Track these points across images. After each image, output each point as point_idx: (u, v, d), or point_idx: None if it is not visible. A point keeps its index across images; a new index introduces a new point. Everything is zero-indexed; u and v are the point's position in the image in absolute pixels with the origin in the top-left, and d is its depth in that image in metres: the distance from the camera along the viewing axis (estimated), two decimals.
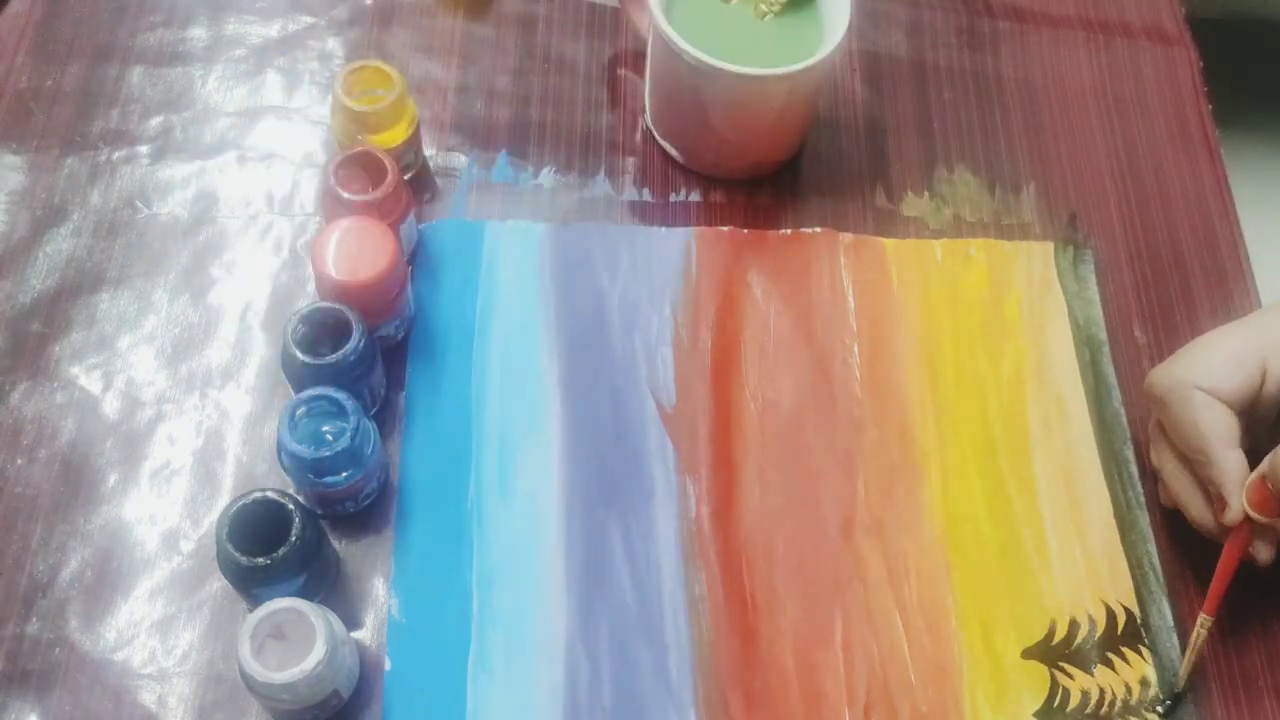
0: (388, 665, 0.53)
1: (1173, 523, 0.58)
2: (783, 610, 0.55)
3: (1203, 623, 0.54)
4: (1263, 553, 0.53)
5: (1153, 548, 0.58)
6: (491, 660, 0.53)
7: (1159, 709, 0.54)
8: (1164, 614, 0.56)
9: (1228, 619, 0.56)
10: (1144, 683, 0.55)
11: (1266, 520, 0.51)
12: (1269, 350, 0.53)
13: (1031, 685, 0.54)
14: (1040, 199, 0.68)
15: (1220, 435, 0.52)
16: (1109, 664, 0.55)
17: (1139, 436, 0.61)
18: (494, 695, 0.53)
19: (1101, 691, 0.54)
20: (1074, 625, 0.56)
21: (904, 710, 0.53)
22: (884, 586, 0.56)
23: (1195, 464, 0.54)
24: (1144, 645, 0.56)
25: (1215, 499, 0.53)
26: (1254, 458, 0.52)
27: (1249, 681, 0.56)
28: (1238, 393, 0.52)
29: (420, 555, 0.55)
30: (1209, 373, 0.53)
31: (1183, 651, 0.55)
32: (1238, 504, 0.52)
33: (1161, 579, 0.57)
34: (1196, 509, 0.54)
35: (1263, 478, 0.51)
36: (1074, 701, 0.54)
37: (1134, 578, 0.57)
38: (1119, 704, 0.54)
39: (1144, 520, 0.59)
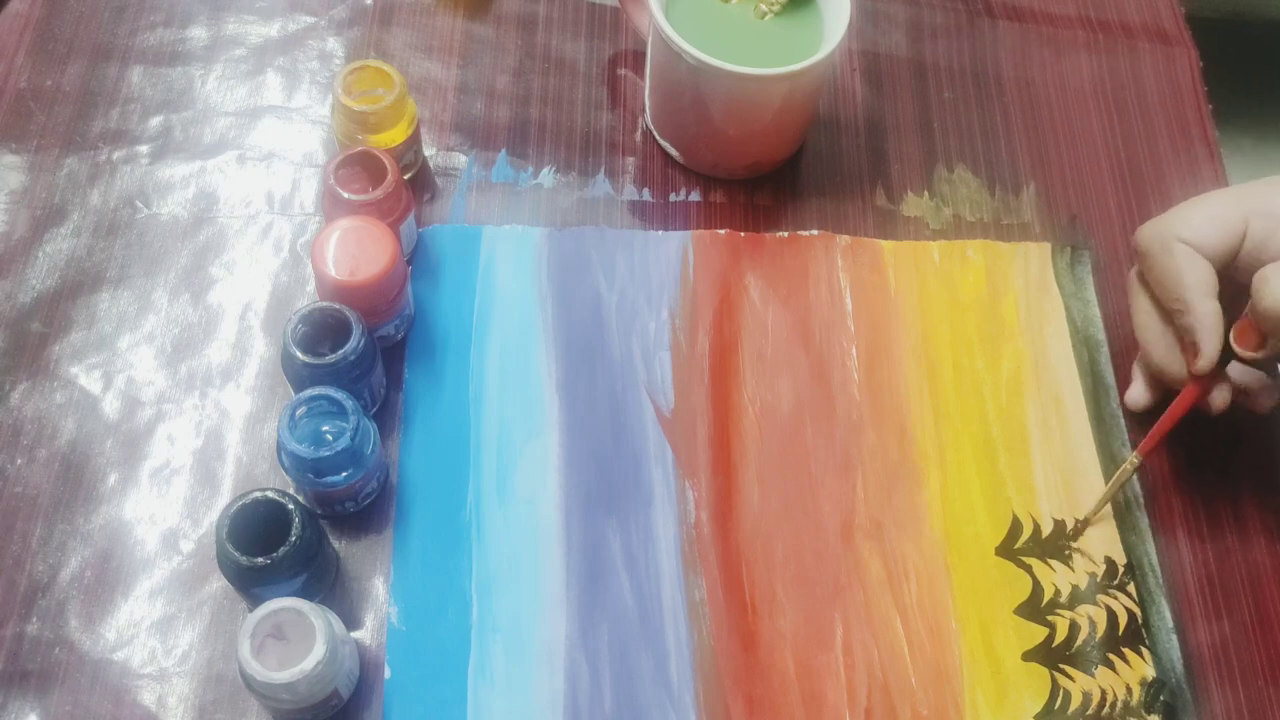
0: (388, 673, 0.53)
1: (1173, 522, 0.59)
2: (783, 614, 0.55)
3: (1131, 461, 0.56)
4: (1218, 399, 0.56)
5: (1152, 548, 0.58)
6: (492, 667, 0.53)
7: (1073, 543, 0.57)
8: (1163, 615, 0.56)
9: (1227, 617, 0.56)
10: (1144, 683, 0.55)
11: (1249, 355, 0.54)
12: (1251, 212, 0.55)
13: (1032, 687, 0.54)
14: (1040, 199, 0.68)
15: (1199, 285, 0.54)
16: (1110, 665, 0.55)
17: (1139, 439, 0.61)
18: (494, 702, 0.53)
19: (1102, 693, 0.54)
20: (1074, 626, 0.56)
21: (904, 713, 0.53)
22: (884, 589, 0.56)
23: (1173, 313, 0.56)
24: (1144, 646, 0.56)
25: (1187, 347, 0.55)
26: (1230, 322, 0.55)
27: (1249, 679, 0.56)
28: (1218, 248, 0.55)
29: (420, 562, 0.55)
30: (1192, 227, 0.55)
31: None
32: (1212, 348, 0.54)
33: (1160, 579, 0.57)
34: (1162, 356, 0.57)
35: (1248, 319, 0.54)
36: (1075, 703, 0.54)
37: (1134, 578, 0.57)
38: (1119, 705, 0.54)
39: (1143, 520, 0.59)
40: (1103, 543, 0.58)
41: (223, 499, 0.56)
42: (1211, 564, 0.58)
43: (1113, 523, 0.58)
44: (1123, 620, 0.56)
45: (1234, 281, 0.55)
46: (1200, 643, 0.56)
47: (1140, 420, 0.61)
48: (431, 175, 0.66)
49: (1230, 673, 0.56)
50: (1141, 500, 0.59)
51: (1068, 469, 0.60)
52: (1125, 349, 0.63)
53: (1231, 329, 0.54)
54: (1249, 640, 0.56)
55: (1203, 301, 0.54)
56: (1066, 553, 0.57)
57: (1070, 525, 0.58)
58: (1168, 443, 0.60)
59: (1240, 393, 0.57)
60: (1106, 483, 0.59)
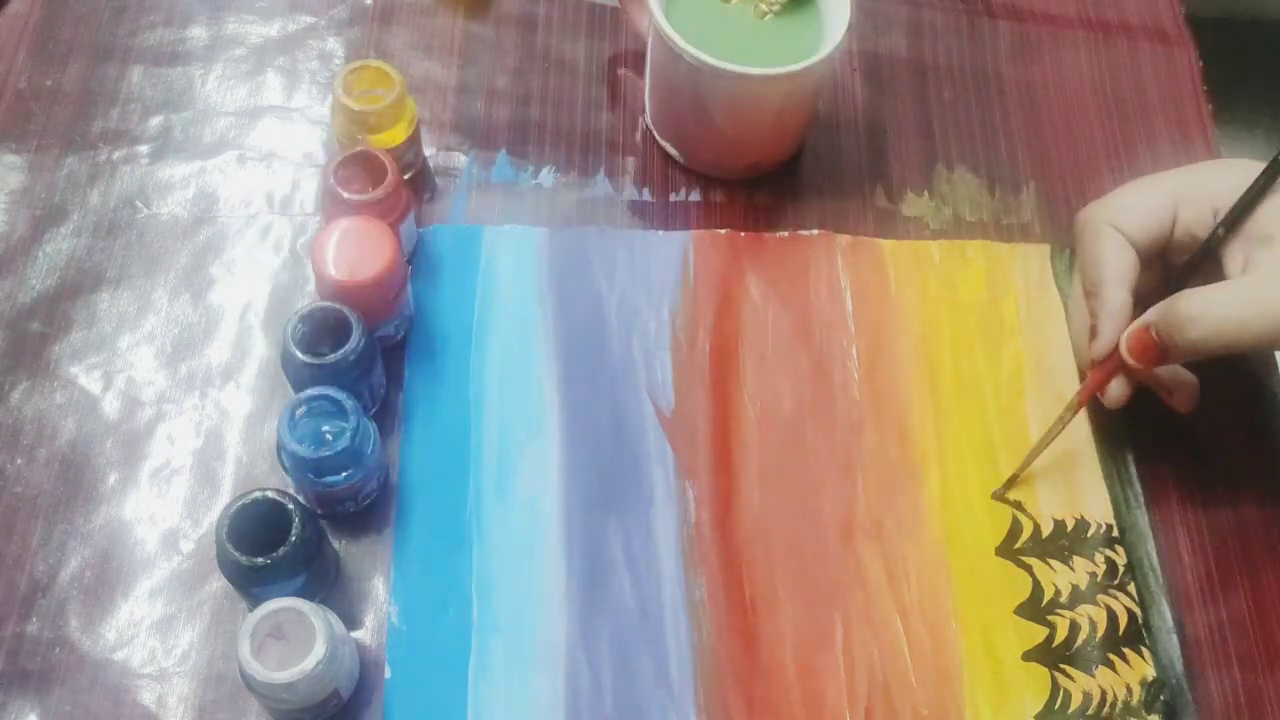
0: (388, 673, 0.53)
1: (1173, 521, 0.59)
2: (783, 614, 0.55)
3: (1062, 418, 0.57)
4: (1114, 391, 0.57)
5: (1152, 547, 0.58)
6: (492, 667, 0.53)
7: (994, 497, 0.58)
8: (1163, 614, 0.56)
9: (1226, 614, 0.56)
10: (1144, 683, 0.55)
11: (1137, 366, 0.55)
12: (1181, 199, 0.56)
13: (1032, 687, 0.54)
14: (1040, 199, 0.68)
15: (1115, 271, 0.56)
16: (1110, 665, 0.55)
17: (1138, 438, 0.61)
18: (495, 702, 0.52)
19: (1103, 692, 0.54)
20: (1074, 626, 0.56)
21: (905, 713, 0.53)
22: (884, 589, 0.56)
23: (1087, 295, 0.57)
24: (1144, 646, 0.56)
25: (1090, 329, 0.57)
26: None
27: (1248, 678, 0.56)
28: (1146, 236, 0.56)
29: (420, 562, 0.55)
30: (1122, 212, 0.56)
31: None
32: (1109, 337, 0.55)
33: (1161, 578, 0.57)
34: (1078, 337, 0.60)
35: (1146, 326, 0.54)
36: (1075, 703, 0.54)
37: (1134, 578, 0.57)
38: (1120, 705, 0.54)
39: (1143, 520, 0.59)
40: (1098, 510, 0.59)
41: (223, 499, 0.56)
42: (1211, 563, 0.58)
43: (1114, 526, 0.58)
44: (1123, 620, 0.56)
45: (1166, 264, 0.57)
46: (1200, 642, 0.56)
47: (1142, 419, 0.61)
48: (431, 175, 0.66)
49: (1230, 672, 0.56)
50: (1142, 500, 0.59)
51: (1068, 469, 0.59)
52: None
53: (1126, 336, 0.55)
54: (1248, 639, 0.56)
55: (1114, 289, 0.55)
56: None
57: (1070, 525, 0.58)
58: (1168, 442, 0.60)
59: (1163, 389, 0.58)
60: (1106, 481, 0.59)
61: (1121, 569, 0.57)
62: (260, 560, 0.49)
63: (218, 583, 0.54)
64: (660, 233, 0.65)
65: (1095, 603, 0.56)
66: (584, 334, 0.61)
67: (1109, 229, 0.56)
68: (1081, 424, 0.61)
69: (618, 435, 0.59)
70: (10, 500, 0.55)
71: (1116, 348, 0.55)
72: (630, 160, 0.67)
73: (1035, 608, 0.56)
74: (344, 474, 0.53)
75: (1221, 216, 0.55)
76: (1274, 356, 0.64)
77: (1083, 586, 0.57)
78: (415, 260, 0.63)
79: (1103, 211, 0.57)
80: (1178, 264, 0.57)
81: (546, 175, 0.66)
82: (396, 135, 0.61)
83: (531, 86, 0.69)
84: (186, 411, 0.58)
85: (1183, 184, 0.57)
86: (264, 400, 0.58)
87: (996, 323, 0.63)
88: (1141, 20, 0.76)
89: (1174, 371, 0.58)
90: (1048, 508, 0.58)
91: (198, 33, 0.69)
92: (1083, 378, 0.62)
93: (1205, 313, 0.52)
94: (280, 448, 0.52)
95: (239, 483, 0.56)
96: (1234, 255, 0.54)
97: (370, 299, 0.56)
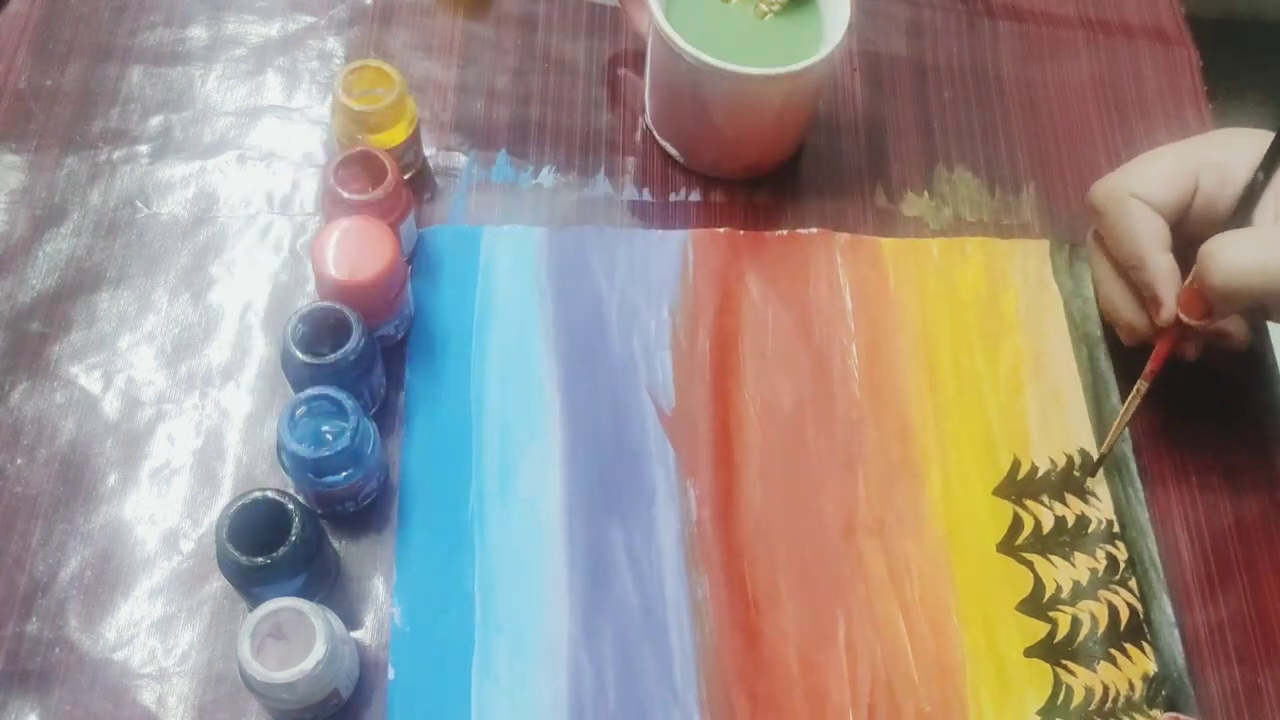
0: (391, 674, 0.53)
1: (1173, 517, 0.59)
2: (785, 612, 0.55)
3: (1138, 389, 0.57)
4: (1189, 350, 0.58)
5: (1152, 543, 0.58)
6: (495, 666, 0.53)
7: (1089, 475, 0.59)
8: (1165, 610, 0.56)
9: (1226, 610, 0.56)
10: (1146, 678, 0.55)
11: (1196, 322, 0.55)
12: (1201, 166, 0.56)
13: (1035, 683, 0.54)
14: (1040, 199, 0.68)
15: (1153, 240, 0.55)
16: (1112, 660, 0.55)
17: (1138, 434, 0.61)
18: (498, 701, 0.52)
19: (1105, 688, 0.54)
20: (1076, 622, 0.56)
21: (908, 710, 0.53)
22: (886, 586, 0.56)
23: (1130, 269, 0.57)
24: (1146, 641, 0.56)
25: (1150, 302, 0.56)
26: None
27: (1247, 675, 0.56)
28: (1170, 202, 0.56)
29: (422, 562, 0.55)
30: (1144, 183, 0.56)
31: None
32: (1170, 301, 0.55)
33: (1162, 574, 0.57)
34: (1129, 313, 0.58)
35: (1192, 288, 0.54)
36: (1077, 699, 0.54)
37: (1135, 573, 0.57)
38: (1122, 700, 0.54)
39: (1143, 516, 0.59)
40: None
41: (223, 499, 0.56)
42: (1211, 559, 0.58)
43: (1114, 523, 0.58)
44: (1124, 615, 0.56)
45: (1183, 235, 0.56)
46: (1199, 638, 0.56)
47: (1143, 418, 0.61)
48: (431, 175, 0.66)
49: (1230, 668, 0.56)
50: (1142, 496, 0.59)
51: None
52: (1123, 346, 0.63)
53: (1177, 296, 0.55)
54: (1248, 634, 0.56)
55: (1157, 255, 0.55)
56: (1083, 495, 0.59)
57: (1071, 521, 0.58)
58: (1168, 441, 0.60)
59: (1218, 334, 0.58)
60: (1107, 477, 0.59)
61: (1123, 564, 0.57)
62: (260, 560, 0.49)
63: (218, 583, 0.54)
64: (660, 232, 0.65)
65: (1096, 598, 0.56)
66: (584, 333, 0.61)
67: (1134, 201, 0.56)
68: (1082, 420, 0.61)
69: (619, 434, 0.59)
70: (10, 500, 0.55)
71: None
72: (630, 160, 0.67)
73: (1037, 604, 0.56)
74: (344, 474, 0.53)
75: (1250, 177, 0.55)
76: (1274, 356, 0.64)
77: (1084, 582, 0.57)
78: (415, 260, 0.62)
79: (1124, 183, 0.57)
80: (1195, 234, 0.56)
81: (546, 175, 0.66)
82: (396, 135, 0.61)
83: (531, 86, 0.69)
84: (186, 411, 0.58)
85: (1201, 151, 0.57)
86: (264, 400, 0.58)
87: (996, 319, 0.63)
88: (1141, 20, 0.76)
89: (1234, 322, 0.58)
90: (1048, 503, 0.58)
91: (198, 33, 0.69)
92: (1082, 372, 0.62)
93: (1225, 255, 0.52)
94: (280, 448, 0.52)
95: (239, 483, 0.56)
96: (1265, 208, 0.55)
97: (370, 299, 0.56)
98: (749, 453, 0.59)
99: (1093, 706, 0.54)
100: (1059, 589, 0.56)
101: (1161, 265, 0.55)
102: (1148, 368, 0.57)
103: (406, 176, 0.64)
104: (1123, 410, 0.58)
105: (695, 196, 0.66)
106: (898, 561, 0.57)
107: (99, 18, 0.69)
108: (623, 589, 0.55)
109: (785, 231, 0.65)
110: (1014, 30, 0.74)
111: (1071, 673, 0.55)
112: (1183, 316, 0.55)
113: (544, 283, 0.62)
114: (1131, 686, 0.54)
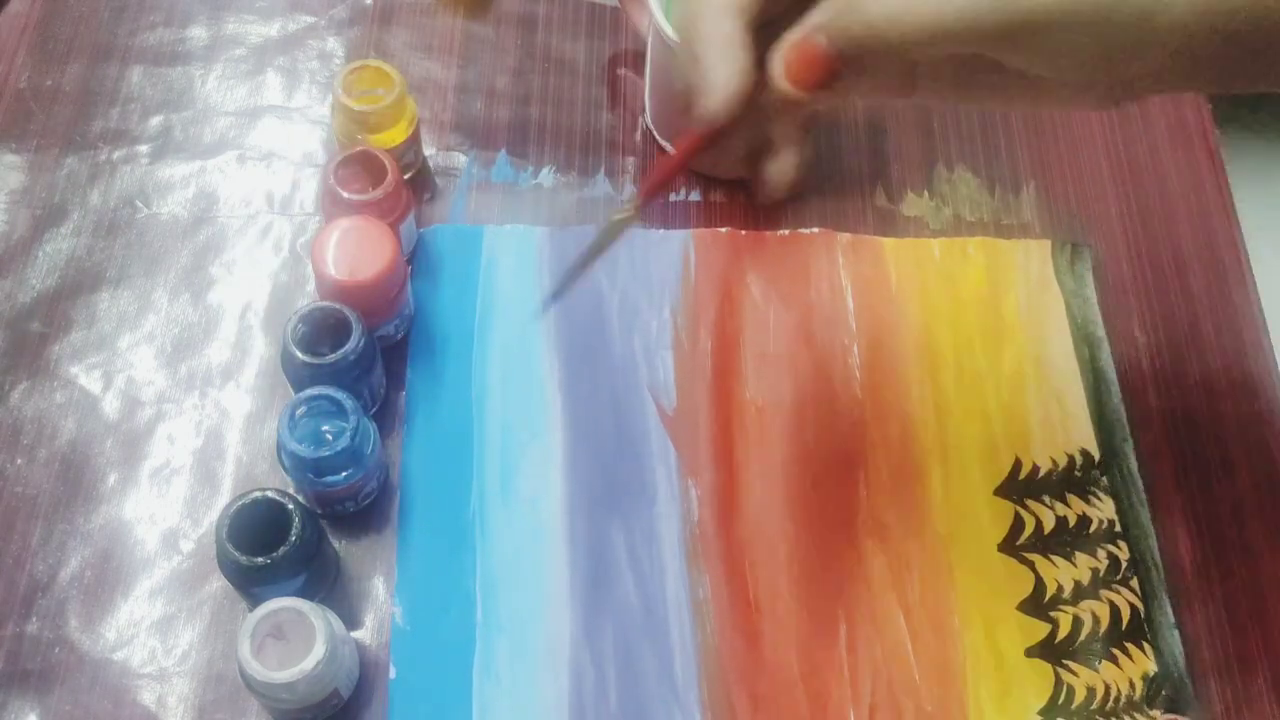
0: (392, 673, 0.53)
1: (1174, 520, 0.59)
2: (786, 612, 0.55)
3: (626, 211, 0.47)
4: (777, 176, 0.51)
5: (1154, 543, 0.58)
6: (496, 666, 0.53)
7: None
8: (1165, 610, 0.56)
9: (1225, 611, 0.56)
10: (1146, 678, 0.55)
11: (794, 93, 0.41)
12: None
13: (1036, 683, 0.54)
14: (1040, 199, 0.68)
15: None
16: (1113, 660, 0.55)
17: (1139, 434, 0.61)
18: (499, 701, 0.52)
19: (1106, 687, 0.54)
20: (1077, 622, 0.56)
21: (909, 710, 0.53)
22: (887, 587, 0.56)
23: (684, 40, 0.43)
24: (1146, 641, 0.56)
25: (707, 85, 0.42)
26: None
27: (1247, 672, 0.56)
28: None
29: (423, 562, 0.55)
30: None
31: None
32: (725, 82, 0.41)
33: (1163, 574, 0.57)
34: (671, 110, 0.51)
35: (812, 30, 0.40)
36: (1078, 698, 0.54)
37: (1136, 573, 0.57)
38: (1123, 700, 0.54)
39: (1145, 516, 0.59)
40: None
41: (223, 499, 0.56)
42: (1211, 559, 0.58)
43: (1116, 523, 0.58)
44: (1125, 615, 0.56)
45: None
46: (1200, 638, 0.56)
47: (1143, 417, 0.61)
48: (431, 175, 0.66)
49: (1229, 668, 0.56)
50: (1144, 496, 0.59)
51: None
52: (1125, 346, 0.63)
53: (782, 55, 0.41)
54: (1247, 634, 0.56)
55: (718, 18, 0.42)
56: None
57: (1073, 522, 0.58)
58: (1168, 440, 0.60)
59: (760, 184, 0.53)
60: (1108, 478, 0.59)
61: (1124, 564, 0.57)
62: (260, 560, 0.49)
63: (218, 583, 0.54)
64: (661, 231, 0.65)
65: (1098, 598, 0.56)
66: (585, 333, 0.61)
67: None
68: (1083, 420, 0.61)
69: (620, 434, 0.59)
70: (10, 500, 0.55)
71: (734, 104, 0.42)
72: (630, 160, 0.67)
73: (1038, 604, 0.56)
74: (344, 474, 0.53)
75: None
76: (1274, 355, 0.64)
77: (1085, 582, 0.57)
78: (415, 260, 0.62)
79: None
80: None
81: (546, 175, 0.66)
82: (396, 135, 0.61)
83: (531, 86, 0.69)
84: (186, 411, 0.58)
85: None
86: (264, 400, 0.58)
87: (997, 319, 0.63)
88: None
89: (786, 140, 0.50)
90: (1050, 503, 0.58)
91: (198, 33, 0.69)
92: (1084, 372, 0.62)
93: None
94: (280, 448, 0.52)
95: (239, 483, 0.56)
96: None
97: (370, 299, 0.55)
98: (750, 452, 0.59)
99: (1094, 706, 0.54)
100: (1060, 589, 0.56)
101: (717, 30, 0.41)
102: (650, 186, 0.47)
103: (406, 176, 0.63)
104: (596, 239, 0.48)
105: (695, 196, 0.66)
106: (899, 561, 0.57)
107: (99, 18, 0.69)
108: (624, 589, 0.55)
109: (787, 231, 0.65)
110: None
111: (1073, 672, 0.55)
112: (783, 85, 0.41)
113: (545, 282, 0.62)
114: (1132, 686, 0.54)
